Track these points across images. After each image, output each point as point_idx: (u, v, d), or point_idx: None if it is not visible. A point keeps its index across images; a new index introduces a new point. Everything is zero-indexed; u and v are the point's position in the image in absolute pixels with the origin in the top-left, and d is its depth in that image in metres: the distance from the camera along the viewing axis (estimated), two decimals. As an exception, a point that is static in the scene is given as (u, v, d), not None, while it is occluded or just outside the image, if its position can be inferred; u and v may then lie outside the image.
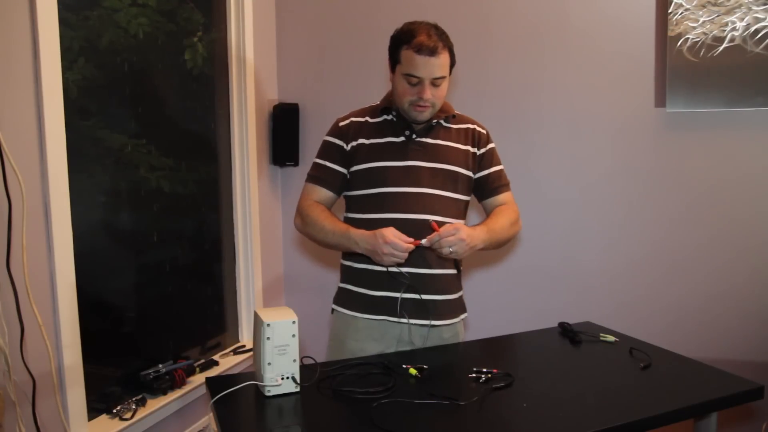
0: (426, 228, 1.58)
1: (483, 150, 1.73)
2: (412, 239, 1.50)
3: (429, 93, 1.56)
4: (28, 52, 1.55)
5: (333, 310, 1.76)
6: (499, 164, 1.77)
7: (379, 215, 1.63)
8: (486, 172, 1.74)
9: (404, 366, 1.44)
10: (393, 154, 1.64)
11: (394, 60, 1.60)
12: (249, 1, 2.55)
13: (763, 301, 2.31)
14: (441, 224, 1.56)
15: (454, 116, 1.71)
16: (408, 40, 1.54)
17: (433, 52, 1.52)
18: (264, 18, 2.72)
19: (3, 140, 1.46)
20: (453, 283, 1.71)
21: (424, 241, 1.51)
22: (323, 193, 1.71)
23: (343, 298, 1.73)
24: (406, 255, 1.50)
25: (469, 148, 1.70)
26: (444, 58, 1.55)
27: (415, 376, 1.41)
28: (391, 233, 1.49)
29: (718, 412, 1.39)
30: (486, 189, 1.75)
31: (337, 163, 1.70)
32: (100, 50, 1.92)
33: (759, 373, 2.25)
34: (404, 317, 1.61)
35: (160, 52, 2.20)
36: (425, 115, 1.61)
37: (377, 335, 1.65)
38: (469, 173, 1.70)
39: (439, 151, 1.66)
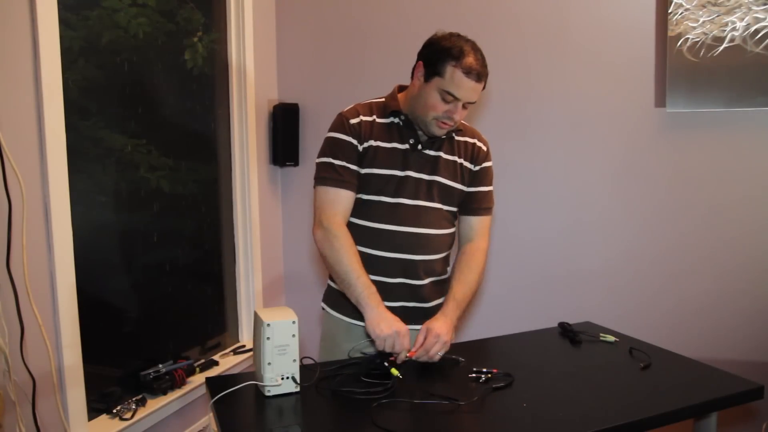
0: (417, 241, 1.60)
1: (479, 167, 1.69)
2: (409, 350, 1.47)
3: (459, 115, 1.53)
4: (28, 52, 1.55)
5: (323, 308, 1.75)
6: (490, 185, 1.73)
7: (373, 224, 1.62)
8: (474, 189, 1.70)
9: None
10: (395, 163, 1.61)
11: (434, 71, 1.51)
12: (249, 1, 2.55)
13: (763, 301, 2.31)
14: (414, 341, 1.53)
15: (460, 130, 1.68)
16: (458, 57, 1.47)
17: (480, 77, 1.49)
18: (264, 18, 2.72)
19: (3, 140, 1.46)
20: (441, 288, 1.72)
21: (414, 357, 1.48)
22: (347, 197, 1.59)
23: (332, 299, 1.71)
24: (390, 348, 1.45)
25: (465, 162, 1.67)
26: (483, 83, 1.53)
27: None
28: (405, 337, 1.46)
29: (718, 412, 1.39)
30: (468, 206, 1.71)
31: (355, 163, 1.60)
32: (100, 50, 1.92)
33: (759, 373, 2.25)
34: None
35: (160, 52, 2.20)
36: (443, 132, 1.58)
37: (366, 337, 1.65)
38: (463, 187, 1.68)
39: (439, 164, 1.63)
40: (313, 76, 2.80)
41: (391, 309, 1.57)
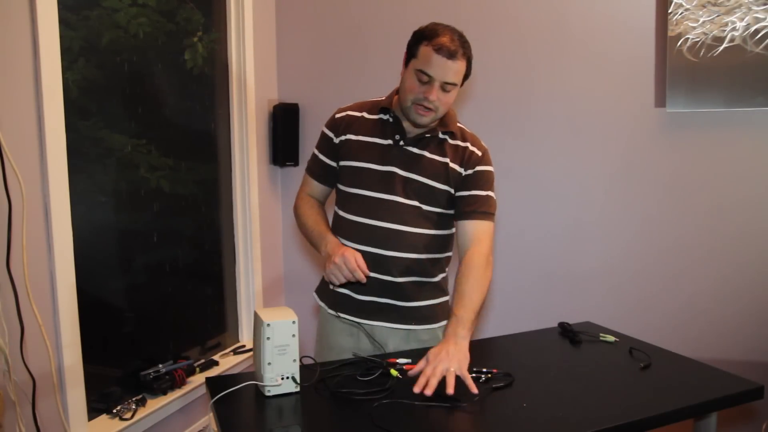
0: (387, 236, 1.59)
1: (470, 171, 1.62)
2: (365, 274, 1.49)
3: (435, 95, 1.49)
4: (28, 52, 1.55)
5: (316, 301, 1.76)
6: (486, 189, 1.62)
7: (354, 217, 1.62)
8: (464, 193, 1.62)
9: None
10: (374, 157, 1.61)
11: (410, 54, 1.54)
12: (249, 1, 2.55)
13: (763, 301, 2.31)
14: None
15: (453, 133, 1.63)
16: (430, 38, 1.49)
17: (452, 55, 1.47)
18: (264, 18, 2.72)
19: (3, 140, 1.46)
20: (429, 291, 1.67)
21: (416, 389, 1.30)
22: (315, 186, 1.75)
23: (322, 289, 1.75)
24: (343, 280, 1.50)
25: (454, 164, 1.61)
26: (460, 65, 1.50)
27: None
28: (352, 257, 1.49)
29: (718, 412, 1.39)
30: (460, 210, 1.62)
31: (328, 156, 1.70)
32: (100, 50, 1.92)
33: (759, 373, 2.25)
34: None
35: (160, 52, 2.20)
36: (425, 119, 1.54)
37: (351, 331, 1.66)
38: (449, 189, 1.62)
39: (420, 162, 1.60)
40: (313, 76, 2.80)
41: (363, 303, 1.62)
